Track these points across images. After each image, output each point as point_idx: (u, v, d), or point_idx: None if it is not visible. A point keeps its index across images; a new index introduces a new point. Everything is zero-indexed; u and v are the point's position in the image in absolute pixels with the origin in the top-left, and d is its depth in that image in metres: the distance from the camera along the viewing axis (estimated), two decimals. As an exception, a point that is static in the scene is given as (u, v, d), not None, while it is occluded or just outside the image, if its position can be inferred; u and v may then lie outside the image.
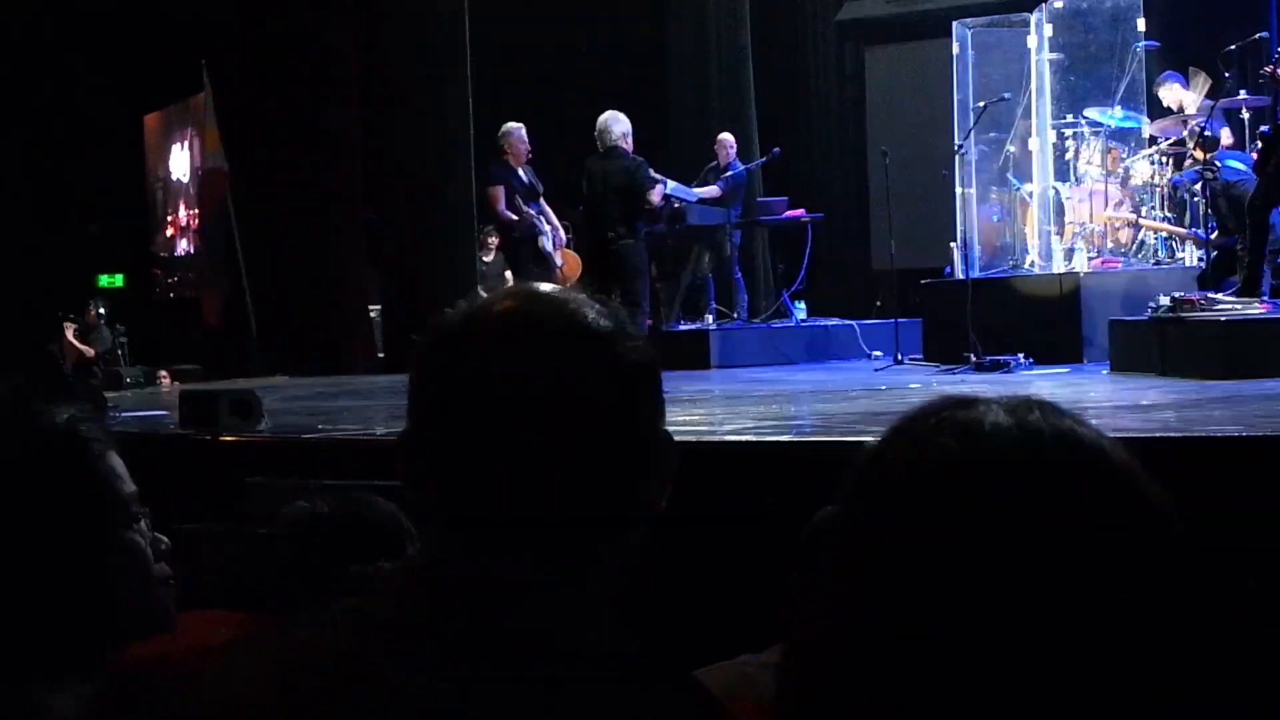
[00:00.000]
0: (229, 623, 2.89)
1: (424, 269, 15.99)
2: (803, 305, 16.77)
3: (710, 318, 16.36)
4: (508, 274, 16.49)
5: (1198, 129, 13.40)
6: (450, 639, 1.58)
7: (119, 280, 23.69)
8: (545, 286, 1.79)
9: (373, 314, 17.90)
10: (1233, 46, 13.27)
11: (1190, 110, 14.04)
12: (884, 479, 1.37)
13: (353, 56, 16.89)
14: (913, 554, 1.30)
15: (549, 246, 14.46)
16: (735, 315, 16.45)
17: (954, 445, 1.34)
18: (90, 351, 20.89)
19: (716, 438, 7.69)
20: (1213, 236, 13.01)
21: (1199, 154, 13.41)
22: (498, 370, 1.66)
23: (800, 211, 16.86)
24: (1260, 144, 12.78)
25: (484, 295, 1.82)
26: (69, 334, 20.90)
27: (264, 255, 17.50)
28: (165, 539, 2.36)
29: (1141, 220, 14.31)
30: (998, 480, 1.31)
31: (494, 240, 17.34)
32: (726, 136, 17.00)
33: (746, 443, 7.43)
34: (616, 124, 14.12)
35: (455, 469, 1.67)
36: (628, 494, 1.70)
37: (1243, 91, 13.40)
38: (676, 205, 16.04)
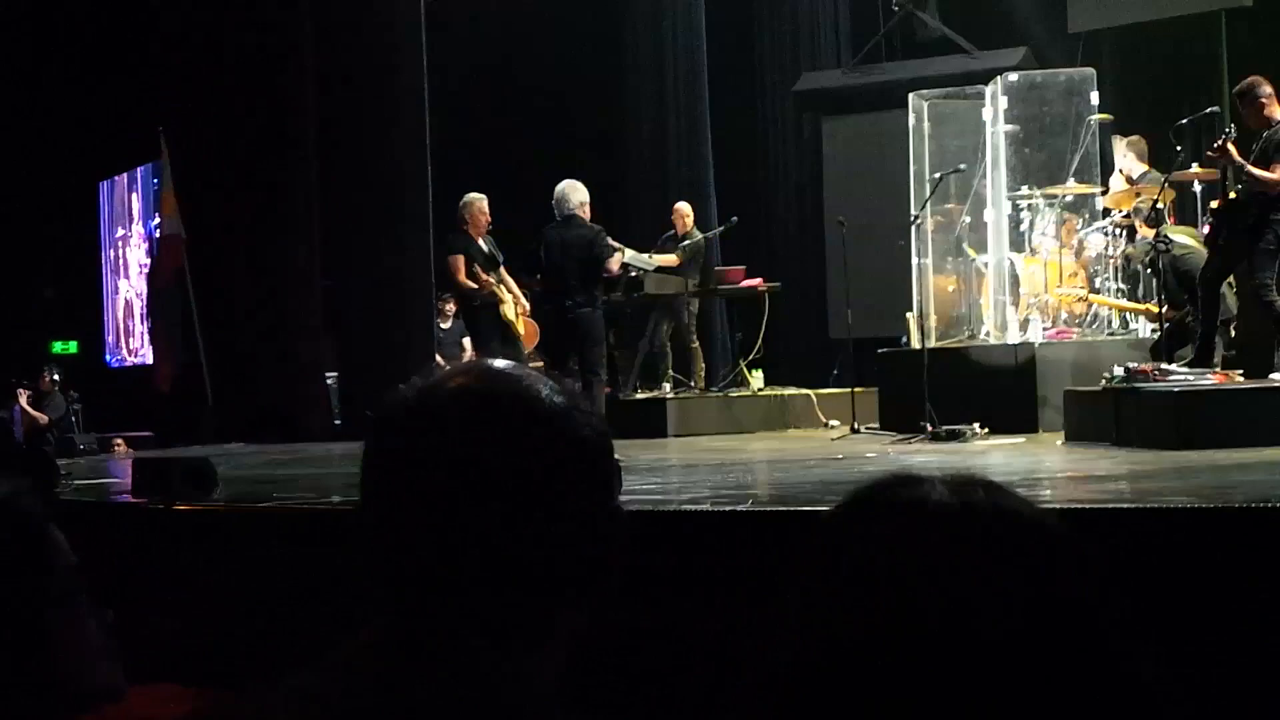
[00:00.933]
0: (181, 698, 2.87)
1: (381, 336, 15.99)
2: (760, 374, 16.79)
3: (667, 386, 16.38)
4: (466, 341, 16.52)
5: (1144, 205, 13.53)
6: (403, 716, 1.58)
7: (73, 347, 23.61)
8: (499, 363, 1.80)
9: (329, 381, 17.87)
10: (1185, 120, 13.38)
11: (1135, 176, 14.19)
12: (831, 560, 1.39)
13: (312, 124, 16.91)
14: (860, 630, 1.32)
15: (509, 315, 14.47)
16: (692, 384, 16.47)
17: (900, 524, 1.36)
18: (44, 418, 20.80)
19: (673, 507, 7.68)
20: (1164, 310, 13.10)
21: (1147, 230, 13.50)
22: (452, 447, 1.67)
23: (757, 280, 16.90)
24: (1211, 218, 12.90)
25: (440, 367, 1.83)
26: (23, 400, 20.81)
27: (221, 322, 17.46)
28: (110, 611, 2.35)
29: (1091, 298, 14.40)
30: (941, 559, 1.33)
31: (451, 308, 17.35)
32: (684, 206, 17.07)
33: (703, 512, 7.42)
34: (575, 192, 14.16)
35: (408, 544, 1.67)
36: (581, 568, 1.71)
37: (1194, 165, 13.51)
38: (634, 274, 16.07)
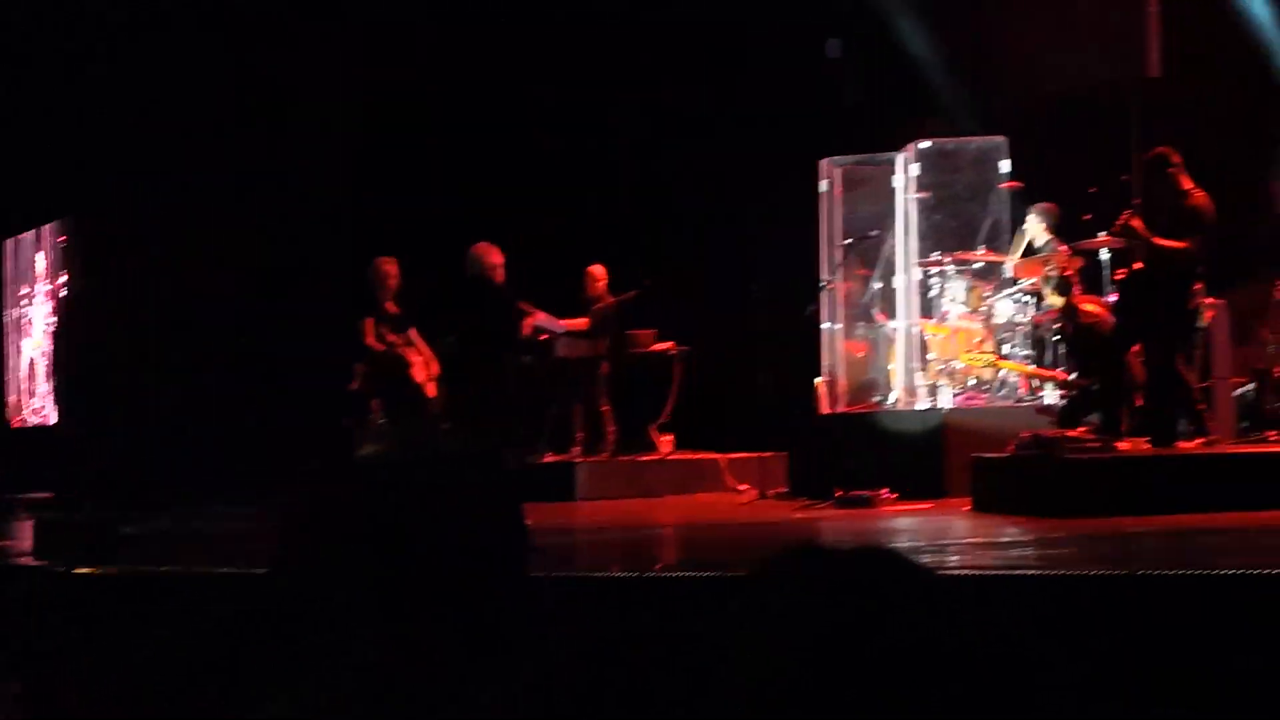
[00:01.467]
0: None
1: (289, 398, 15.90)
2: (670, 438, 16.77)
3: (577, 450, 16.33)
4: (374, 402, 16.44)
5: (1053, 273, 13.65)
6: None
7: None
8: (414, 430, 1.81)
9: (238, 440, 17.73)
10: (1094, 190, 13.50)
11: (1039, 244, 14.31)
12: (748, 624, 1.40)
13: (224, 181, 16.85)
14: (774, 689, 1.33)
15: (419, 377, 14.42)
16: (601, 448, 16.43)
17: (810, 591, 1.38)
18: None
19: (581, 573, 7.66)
20: (1071, 376, 13.21)
21: (1055, 298, 13.63)
22: (370, 516, 1.67)
23: (669, 344, 16.90)
24: (1118, 287, 13.03)
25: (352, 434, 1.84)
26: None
27: (130, 383, 17.31)
28: (16, 684, 2.32)
29: (1000, 362, 14.48)
30: (848, 623, 1.34)
31: (359, 369, 17.25)
32: (597, 268, 17.05)
33: (613, 577, 7.40)
34: (488, 254, 14.18)
35: (326, 610, 1.66)
36: (497, 633, 1.71)
37: (1102, 234, 13.64)
38: (545, 337, 16.05)
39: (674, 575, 7.78)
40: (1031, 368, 14.44)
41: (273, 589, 1.73)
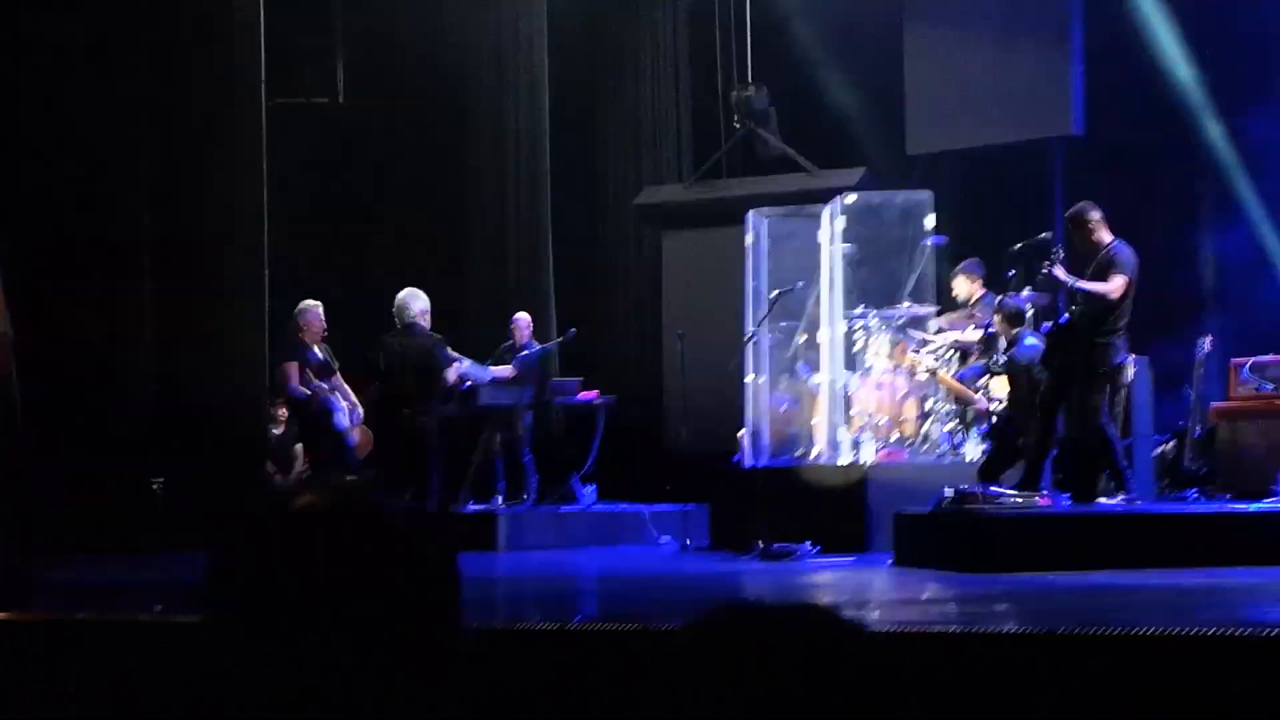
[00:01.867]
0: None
1: (211, 442, 15.76)
2: (593, 488, 16.74)
3: (499, 499, 16.27)
4: (298, 448, 16.36)
5: (981, 329, 13.73)
6: None
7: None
8: (340, 477, 1.80)
9: (154, 487, 17.55)
10: (1018, 245, 13.57)
11: (974, 303, 14.35)
12: (681, 679, 1.41)
13: (146, 219, 16.72)
14: None
15: (343, 423, 14.37)
16: (524, 497, 16.38)
17: (744, 646, 1.40)
18: None
19: (502, 625, 7.62)
20: (992, 405, 13.29)
21: (1008, 327, 13.60)
22: (302, 562, 1.65)
23: (593, 393, 16.90)
24: (1045, 341, 13.10)
25: (287, 482, 1.83)
26: None
27: (47, 423, 17.11)
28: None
29: (941, 377, 14.46)
30: (782, 679, 1.35)
31: (283, 413, 17.17)
32: (522, 316, 17.02)
33: (532, 631, 7.36)
34: (415, 301, 14.16)
35: (255, 658, 1.65)
36: (425, 683, 1.70)
37: (1027, 289, 13.73)
38: (469, 384, 16.02)
39: (596, 628, 7.75)
40: (960, 387, 14.43)
41: (206, 636, 1.70)
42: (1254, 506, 12.17)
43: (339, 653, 1.66)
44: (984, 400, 14.09)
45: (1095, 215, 12.40)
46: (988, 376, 14.09)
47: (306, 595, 1.66)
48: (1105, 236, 12.34)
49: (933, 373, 14.56)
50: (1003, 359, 13.61)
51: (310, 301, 14.57)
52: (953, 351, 14.77)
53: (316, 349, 14.47)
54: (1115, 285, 12.08)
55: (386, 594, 1.69)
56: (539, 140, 19.85)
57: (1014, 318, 13.45)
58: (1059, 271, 12.47)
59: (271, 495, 1.77)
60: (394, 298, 14.48)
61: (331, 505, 1.74)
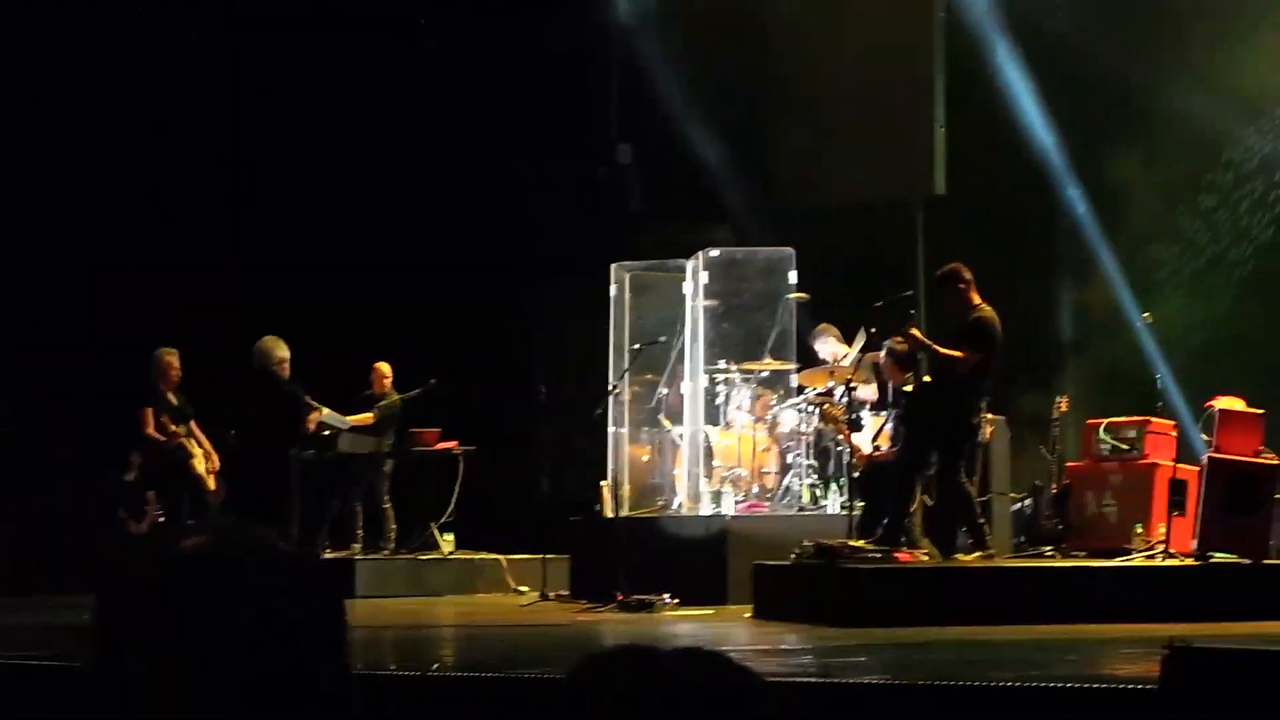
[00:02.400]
0: None
1: (57, 489, 15.56)
2: (451, 537, 16.65)
3: (357, 547, 16.15)
4: (150, 494, 16.15)
5: (843, 389, 13.79)
6: None
7: None
8: (235, 522, 1.77)
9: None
10: (879, 303, 13.63)
11: (845, 363, 14.38)
12: None
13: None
14: None
15: (199, 469, 14.23)
16: (383, 546, 16.27)
17: (634, 692, 1.40)
18: None
19: (362, 672, 7.54)
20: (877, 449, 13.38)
21: (897, 373, 13.62)
22: (193, 604, 1.63)
23: (453, 443, 16.83)
24: (906, 399, 13.20)
25: (183, 528, 1.81)
26: None
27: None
28: None
29: (829, 405, 14.45)
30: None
31: (136, 459, 16.93)
32: (383, 365, 16.93)
33: (390, 675, 7.31)
34: (275, 348, 14.06)
35: (148, 699, 1.62)
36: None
37: (886, 342, 13.77)
38: (328, 432, 15.90)
39: (454, 675, 7.70)
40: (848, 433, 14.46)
41: (94, 684, 1.67)
42: (1107, 564, 12.32)
43: (234, 696, 1.64)
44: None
45: (966, 277, 12.49)
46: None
47: (201, 638, 1.64)
48: (973, 298, 12.43)
49: (839, 421, 14.51)
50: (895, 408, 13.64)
51: (166, 348, 14.44)
52: (814, 407, 14.77)
53: (171, 395, 14.34)
54: (970, 355, 12.16)
55: (281, 635, 1.67)
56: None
57: (904, 363, 13.49)
58: (916, 333, 12.59)
59: (157, 538, 1.75)
60: (254, 346, 14.37)
61: (225, 546, 1.72)
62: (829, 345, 14.62)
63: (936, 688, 6.70)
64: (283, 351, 14.23)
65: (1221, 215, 16.51)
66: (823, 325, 14.78)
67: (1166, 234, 16.52)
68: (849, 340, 14.51)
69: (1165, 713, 5.43)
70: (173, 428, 14.22)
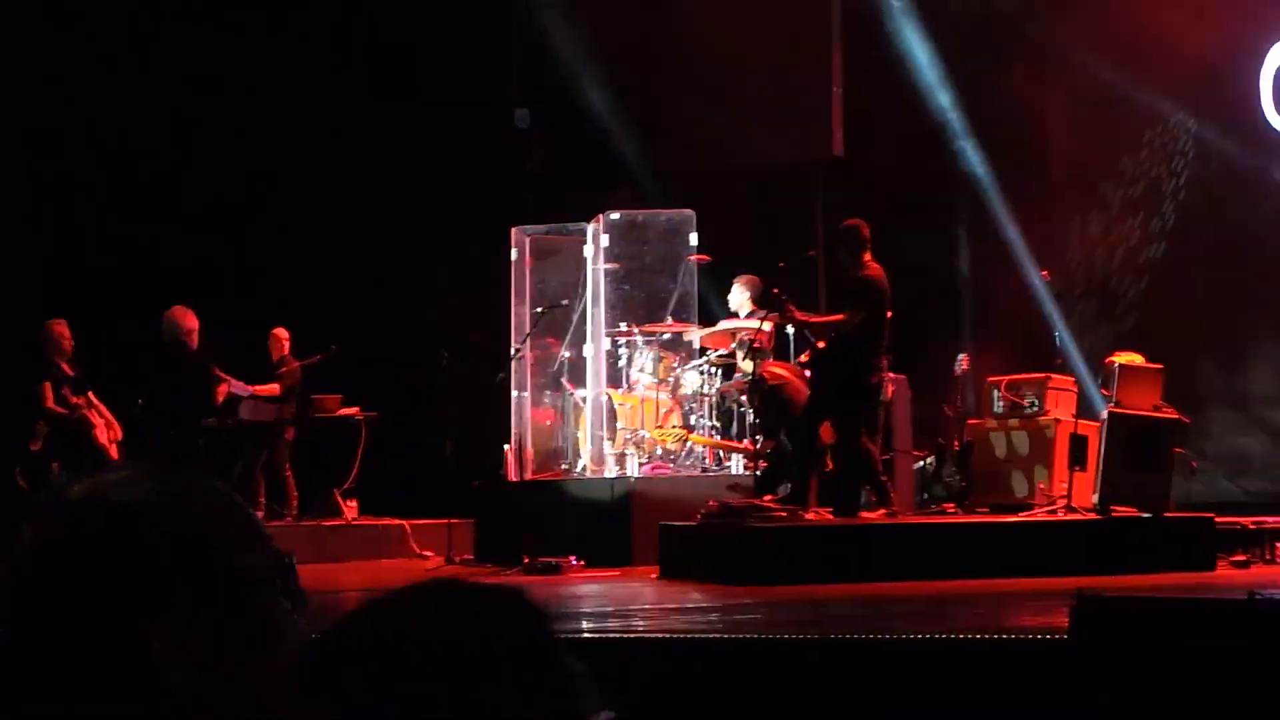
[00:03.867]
0: None
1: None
2: (354, 503, 16.58)
3: (259, 515, 16.03)
4: (55, 465, 15.99)
5: (747, 339, 13.79)
6: None
7: None
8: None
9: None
10: (782, 264, 13.64)
11: (742, 319, 14.39)
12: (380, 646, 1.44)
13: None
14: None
15: (103, 439, 14.11)
16: (285, 513, 16.18)
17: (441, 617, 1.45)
18: None
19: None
20: (759, 444, 13.38)
21: (746, 365, 13.76)
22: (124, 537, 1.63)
23: (354, 409, 16.74)
24: (809, 362, 13.25)
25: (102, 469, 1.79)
26: None
27: None
28: None
29: (692, 437, 14.57)
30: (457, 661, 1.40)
31: (41, 428, 16.76)
32: (281, 330, 16.79)
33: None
34: (184, 319, 13.97)
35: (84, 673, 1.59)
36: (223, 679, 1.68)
37: (761, 311, 13.77)
38: (231, 399, 15.78)
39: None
40: (719, 440, 14.57)
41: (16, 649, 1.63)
42: (1010, 519, 12.44)
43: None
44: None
45: (865, 235, 12.53)
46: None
47: (127, 605, 1.62)
48: (864, 256, 12.48)
49: (686, 440, 14.58)
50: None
51: (55, 319, 14.27)
52: (716, 368, 14.78)
53: (66, 366, 14.19)
54: (849, 315, 12.24)
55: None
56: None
57: (753, 354, 13.53)
58: (795, 311, 12.69)
59: (86, 480, 1.72)
60: (162, 316, 14.26)
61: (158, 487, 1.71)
62: (739, 296, 14.52)
63: (843, 641, 6.73)
64: (191, 322, 14.15)
65: (1127, 166, 16.66)
66: (747, 276, 14.69)
67: (1068, 190, 16.65)
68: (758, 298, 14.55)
69: (1074, 662, 5.48)
70: (74, 399, 14.08)
